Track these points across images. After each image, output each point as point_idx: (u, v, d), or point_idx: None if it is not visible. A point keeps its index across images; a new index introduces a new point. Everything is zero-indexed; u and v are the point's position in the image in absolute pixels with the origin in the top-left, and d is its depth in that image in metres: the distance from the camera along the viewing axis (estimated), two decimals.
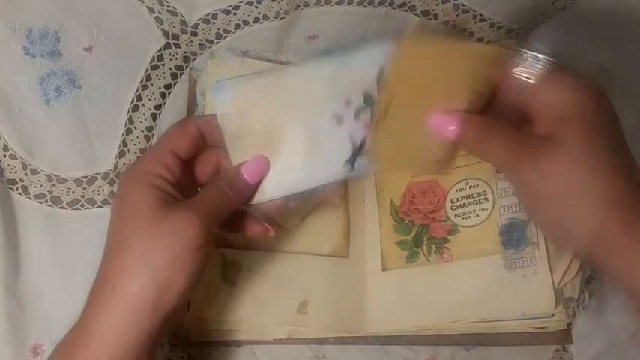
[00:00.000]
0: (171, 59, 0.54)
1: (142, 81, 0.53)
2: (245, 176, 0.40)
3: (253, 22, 0.54)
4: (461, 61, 0.36)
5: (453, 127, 0.36)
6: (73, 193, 0.51)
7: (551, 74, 0.36)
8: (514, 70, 0.36)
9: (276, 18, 0.54)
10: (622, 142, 0.35)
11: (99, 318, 0.37)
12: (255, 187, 0.40)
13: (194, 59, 0.54)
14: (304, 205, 0.52)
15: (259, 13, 0.53)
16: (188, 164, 0.41)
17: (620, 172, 0.34)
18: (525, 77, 0.36)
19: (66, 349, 0.38)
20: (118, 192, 0.41)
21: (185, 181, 0.41)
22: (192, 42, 0.54)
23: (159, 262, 0.36)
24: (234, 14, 0.53)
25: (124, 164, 0.52)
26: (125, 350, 0.36)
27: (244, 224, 0.43)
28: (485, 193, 0.50)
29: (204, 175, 0.42)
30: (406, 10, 0.55)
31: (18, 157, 0.51)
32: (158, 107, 0.54)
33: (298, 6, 0.53)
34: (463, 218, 0.50)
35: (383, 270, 0.51)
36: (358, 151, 0.41)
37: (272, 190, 0.41)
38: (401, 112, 0.39)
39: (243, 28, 0.54)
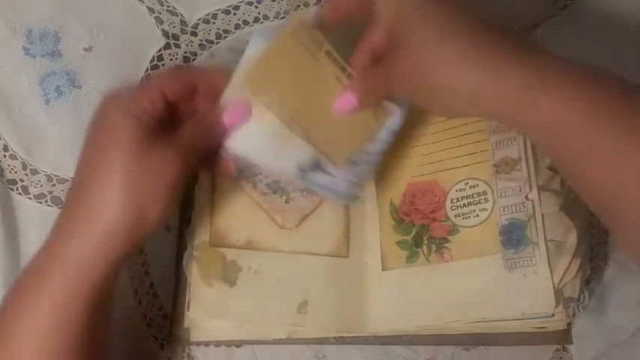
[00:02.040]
0: (171, 59, 0.54)
1: (142, 81, 0.53)
2: (225, 121, 0.42)
3: (253, 22, 0.54)
4: (292, 48, 0.41)
5: (352, 101, 0.42)
6: None
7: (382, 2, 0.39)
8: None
9: (276, 18, 0.54)
10: (455, 18, 0.37)
11: (69, 245, 0.38)
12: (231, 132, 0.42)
13: (194, 59, 0.55)
14: (303, 206, 0.52)
15: (259, 13, 0.53)
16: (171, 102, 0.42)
17: (469, 33, 0.36)
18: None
19: (32, 273, 0.40)
20: (97, 118, 0.40)
21: (166, 117, 0.41)
22: (192, 42, 0.54)
23: (139, 194, 0.38)
24: (234, 14, 0.53)
25: None
26: (92, 278, 0.38)
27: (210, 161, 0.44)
28: (485, 193, 0.50)
29: (186, 113, 0.43)
30: None
31: (18, 157, 0.51)
32: None
33: (298, 6, 0.53)
34: (463, 218, 0.50)
35: (383, 270, 0.51)
36: (313, 165, 0.44)
37: (236, 147, 0.43)
38: (309, 116, 0.43)
39: (243, 28, 0.54)
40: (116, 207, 0.38)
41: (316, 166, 0.45)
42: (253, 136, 0.43)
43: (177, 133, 0.40)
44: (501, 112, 0.36)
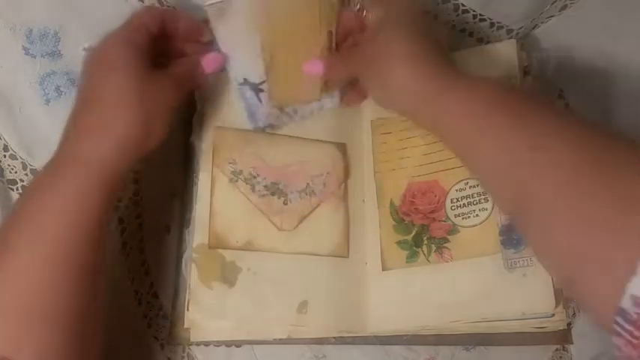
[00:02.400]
0: None
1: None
2: (203, 65, 0.49)
3: None
4: (312, 9, 0.49)
5: (320, 69, 0.51)
6: None
7: (370, 5, 0.48)
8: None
9: None
10: (419, 33, 0.46)
11: (86, 148, 0.42)
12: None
13: None
14: (302, 207, 0.53)
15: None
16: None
17: (418, 42, 0.45)
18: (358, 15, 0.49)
19: (46, 176, 0.43)
20: (100, 50, 0.45)
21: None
22: None
23: (147, 109, 0.43)
24: None
25: None
26: (112, 178, 0.42)
27: None
28: (485, 192, 0.50)
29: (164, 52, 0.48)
30: None
31: (18, 157, 0.51)
32: None
33: None
34: (463, 218, 0.50)
35: (383, 270, 0.51)
36: (255, 85, 0.52)
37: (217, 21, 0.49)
38: (282, 58, 0.51)
39: None
40: (129, 118, 0.42)
41: (256, 87, 0.52)
42: (235, 29, 0.50)
43: (171, 69, 0.46)
44: (420, 104, 0.44)
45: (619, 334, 0.32)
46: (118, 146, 0.42)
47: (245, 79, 0.52)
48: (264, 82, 0.52)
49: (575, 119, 0.42)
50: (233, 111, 0.53)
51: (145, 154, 0.45)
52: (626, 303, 0.31)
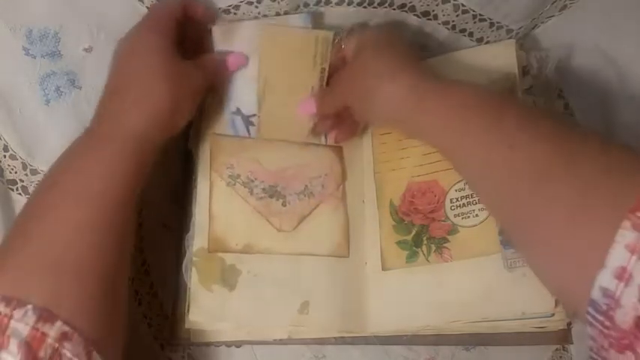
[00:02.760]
0: None
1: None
2: (228, 63, 0.52)
3: None
4: (308, 46, 0.52)
5: (313, 108, 0.53)
6: None
7: (347, 38, 0.52)
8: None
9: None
10: (392, 50, 0.49)
11: (121, 121, 0.44)
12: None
13: None
14: (300, 208, 0.53)
15: (259, 13, 0.53)
16: None
17: (392, 60, 0.48)
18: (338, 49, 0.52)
19: (83, 144, 0.45)
20: (131, 38, 0.48)
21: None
22: None
23: (177, 92, 0.46)
24: (235, 14, 0.53)
25: None
26: (143, 149, 0.45)
27: None
28: None
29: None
30: (406, 11, 0.55)
31: (18, 157, 0.51)
32: None
33: (298, 6, 0.53)
34: (463, 218, 0.50)
35: (383, 270, 0.51)
36: (246, 117, 0.54)
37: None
38: (275, 92, 0.53)
39: None
40: (161, 94, 0.45)
41: (247, 119, 0.54)
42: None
43: (199, 60, 0.50)
44: (405, 115, 0.47)
45: (592, 325, 0.34)
46: (149, 119, 0.45)
47: (238, 109, 0.54)
48: (255, 115, 0.54)
49: (547, 115, 0.45)
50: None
51: (172, 134, 0.47)
52: (596, 294, 0.33)
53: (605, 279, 0.32)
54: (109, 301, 0.41)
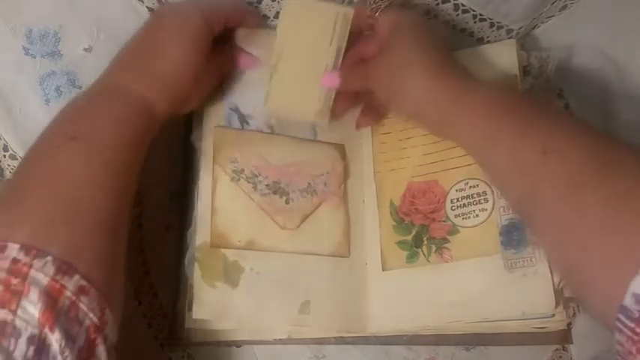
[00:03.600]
0: None
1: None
2: (240, 61, 0.54)
3: None
4: (328, 22, 0.51)
5: (337, 82, 0.52)
6: None
7: (384, 11, 0.50)
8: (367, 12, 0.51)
9: (276, 18, 0.54)
10: (432, 43, 0.48)
11: (138, 86, 0.45)
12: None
13: None
14: (304, 206, 0.53)
15: (259, 13, 0.53)
16: None
17: (432, 60, 0.47)
18: (371, 15, 0.51)
19: (97, 94, 0.45)
20: (178, 12, 0.49)
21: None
22: None
23: (196, 79, 0.48)
24: None
25: None
26: (152, 117, 0.45)
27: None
28: (485, 193, 0.50)
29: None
30: None
31: (18, 157, 0.51)
32: None
33: None
34: (463, 218, 0.50)
35: (383, 270, 0.51)
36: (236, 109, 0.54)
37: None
38: (289, 64, 0.52)
39: None
40: (182, 77, 0.47)
41: (243, 118, 0.54)
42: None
43: (214, 53, 0.49)
44: (437, 115, 0.47)
45: (621, 331, 0.33)
46: (164, 94, 0.46)
47: (236, 107, 0.54)
48: (251, 115, 0.54)
49: (580, 123, 0.44)
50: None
51: (173, 114, 0.48)
52: (628, 301, 0.33)
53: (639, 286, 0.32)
54: (117, 256, 0.41)
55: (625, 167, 0.37)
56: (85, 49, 0.51)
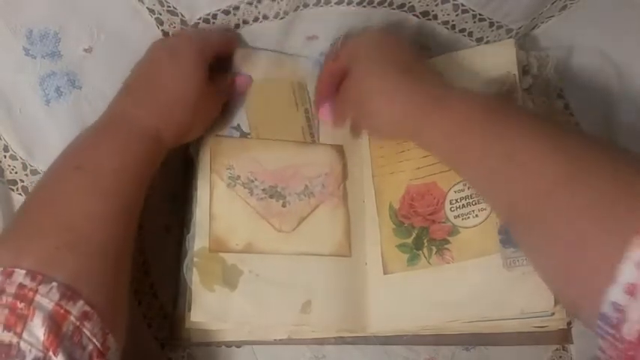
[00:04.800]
0: None
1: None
2: (236, 85, 0.55)
3: (253, 21, 0.54)
4: (288, 94, 0.56)
5: (327, 117, 0.54)
6: None
7: (342, 44, 0.52)
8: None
9: (276, 18, 0.54)
10: (393, 59, 0.49)
11: (145, 116, 0.46)
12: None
13: None
14: (300, 209, 0.53)
15: (259, 13, 0.53)
16: None
17: (392, 69, 0.47)
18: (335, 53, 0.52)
19: (106, 125, 0.47)
20: (175, 44, 0.50)
21: None
22: None
23: (199, 110, 0.49)
24: (234, 14, 0.53)
25: None
26: (157, 148, 0.47)
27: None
28: None
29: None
30: (405, 11, 0.55)
31: (18, 157, 0.51)
32: None
33: (298, 6, 0.53)
34: (463, 219, 0.50)
35: (384, 274, 0.51)
36: (238, 127, 0.55)
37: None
38: (265, 135, 0.55)
39: (243, 27, 0.54)
40: (186, 107, 0.48)
41: (244, 135, 0.55)
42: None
43: (214, 81, 0.51)
44: (410, 131, 0.48)
45: (603, 337, 0.34)
46: (173, 124, 0.48)
47: (238, 125, 0.55)
48: (250, 133, 0.55)
49: (553, 127, 0.43)
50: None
51: (180, 144, 0.50)
52: (607, 308, 0.33)
53: (616, 294, 0.32)
54: (120, 283, 0.42)
55: (599, 171, 0.37)
56: (85, 50, 0.51)
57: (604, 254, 0.34)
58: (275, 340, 0.52)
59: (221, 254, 0.50)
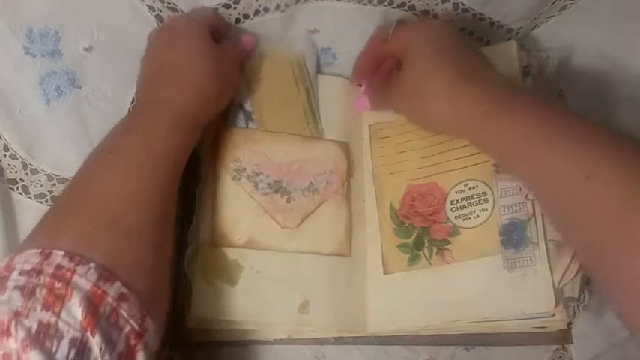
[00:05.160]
0: None
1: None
2: (243, 44, 0.55)
3: (254, 15, 0.54)
4: (287, 73, 0.56)
5: (367, 105, 0.54)
6: None
7: (395, 31, 0.51)
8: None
9: (277, 11, 0.54)
10: (452, 53, 0.47)
11: (172, 97, 0.47)
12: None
13: None
14: (305, 205, 0.52)
15: (260, 6, 0.53)
16: None
17: (455, 69, 0.46)
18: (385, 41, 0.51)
19: (137, 116, 0.48)
20: (170, 25, 0.51)
21: None
22: None
23: (222, 70, 0.50)
24: (235, 8, 0.53)
25: None
26: (192, 124, 0.47)
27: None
28: (484, 194, 0.50)
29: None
30: (405, 10, 0.55)
31: (18, 156, 0.51)
32: None
33: (298, 0, 0.53)
34: (463, 219, 0.50)
35: (384, 274, 0.51)
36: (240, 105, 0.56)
37: None
38: (269, 116, 0.55)
39: (244, 22, 0.54)
40: (209, 73, 0.48)
41: (248, 115, 0.55)
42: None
43: (225, 46, 0.51)
44: (470, 134, 0.46)
45: None
46: (199, 96, 0.48)
47: (241, 103, 0.55)
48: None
49: (621, 139, 0.40)
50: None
51: (217, 112, 0.50)
52: None
53: None
54: (159, 266, 0.42)
55: None
56: (85, 49, 0.51)
57: None
58: (275, 340, 0.52)
59: (223, 249, 0.51)
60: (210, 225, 0.51)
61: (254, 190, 0.52)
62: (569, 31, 0.57)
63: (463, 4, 0.54)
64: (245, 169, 0.52)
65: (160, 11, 0.52)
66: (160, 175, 0.44)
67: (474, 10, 0.55)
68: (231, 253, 0.50)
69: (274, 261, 0.51)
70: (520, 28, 0.56)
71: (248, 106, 0.55)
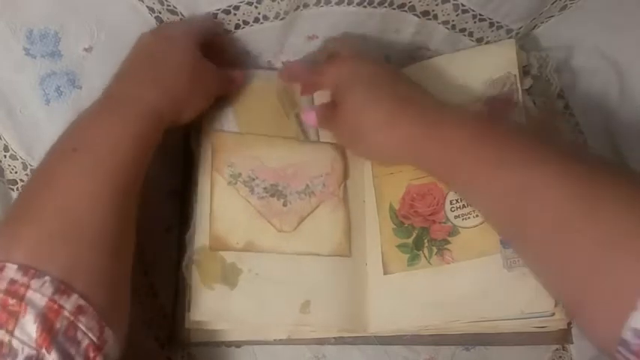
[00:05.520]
0: None
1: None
2: (234, 79, 0.55)
3: (253, 22, 0.54)
4: (274, 100, 0.56)
5: (314, 120, 0.53)
6: None
7: (327, 64, 0.52)
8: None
9: (276, 18, 0.54)
10: (384, 79, 0.49)
11: (143, 93, 0.46)
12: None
13: None
14: (301, 208, 0.53)
15: (259, 14, 0.53)
16: None
17: (388, 98, 0.47)
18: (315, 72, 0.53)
19: (103, 108, 0.45)
20: (162, 29, 0.51)
21: None
22: None
23: (196, 84, 0.49)
24: (234, 14, 0.53)
25: None
26: (158, 124, 0.46)
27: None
28: None
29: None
30: (406, 11, 0.55)
31: (18, 157, 0.51)
32: None
33: (298, 6, 0.53)
34: (463, 219, 0.50)
35: (384, 274, 0.51)
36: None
37: None
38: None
39: (243, 28, 0.54)
40: (182, 81, 0.48)
41: None
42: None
43: (209, 66, 0.51)
44: (410, 159, 0.48)
45: None
46: (168, 99, 0.47)
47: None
48: None
49: (562, 151, 0.42)
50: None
51: (177, 122, 0.49)
52: (627, 335, 0.33)
53: (638, 321, 0.32)
54: (119, 275, 0.42)
55: (613, 204, 0.36)
56: (85, 49, 0.51)
57: (625, 281, 0.34)
58: (275, 340, 0.52)
59: (221, 253, 0.50)
60: (208, 230, 0.51)
61: (250, 195, 0.52)
62: (569, 31, 0.57)
63: (463, 5, 0.54)
64: (240, 174, 0.53)
65: (160, 13, 0.52)
66: (125, 174, 0.43)
67: (474, 10, 0.55)
68: (229, 257, 0.50)
69: (273, 263, 0.51)
70: (520, 28, 0.56)
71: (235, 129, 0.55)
